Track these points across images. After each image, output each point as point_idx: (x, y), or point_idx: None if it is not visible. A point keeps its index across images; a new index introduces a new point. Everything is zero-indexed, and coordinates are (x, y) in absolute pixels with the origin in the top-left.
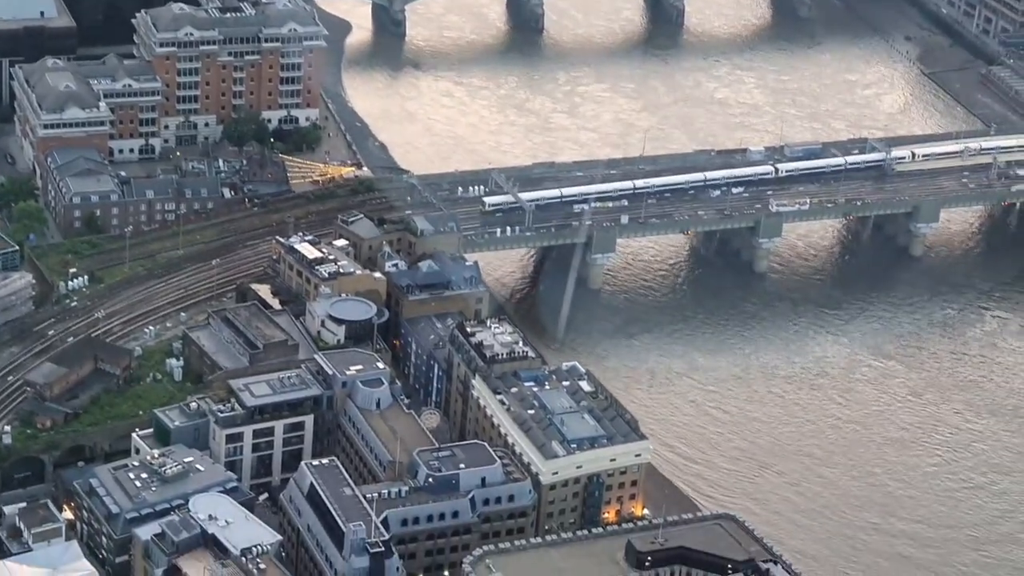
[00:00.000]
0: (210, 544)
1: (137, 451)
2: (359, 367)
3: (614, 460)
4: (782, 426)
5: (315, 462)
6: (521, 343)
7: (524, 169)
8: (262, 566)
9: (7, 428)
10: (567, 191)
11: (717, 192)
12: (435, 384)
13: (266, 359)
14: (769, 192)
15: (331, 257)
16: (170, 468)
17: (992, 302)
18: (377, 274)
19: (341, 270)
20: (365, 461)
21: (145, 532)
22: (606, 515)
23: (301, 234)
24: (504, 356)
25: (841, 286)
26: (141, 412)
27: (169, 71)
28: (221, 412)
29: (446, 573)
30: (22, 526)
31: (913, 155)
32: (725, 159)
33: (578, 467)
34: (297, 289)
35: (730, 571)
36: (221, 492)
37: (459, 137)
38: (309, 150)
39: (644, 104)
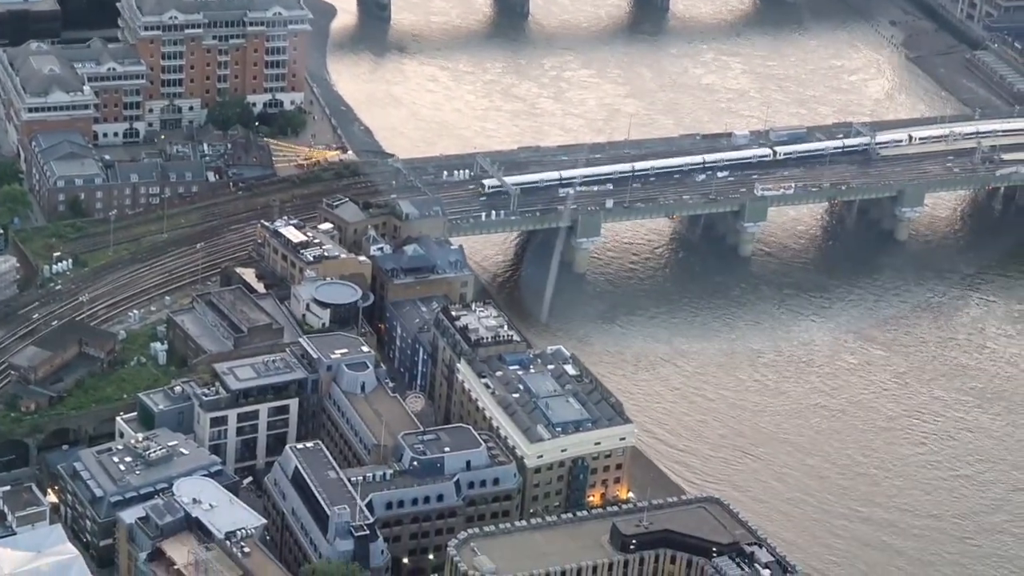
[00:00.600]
0: (194, 528)
1: (121, 435)
2: (344, 351)
3: (599, 443)
4: (766, 412)
5: (300, 445)
6: (506, 327)
7: (509, 153)
8: (246, 550)
9: None
10: (570, 172)
11: (702, 176)
12: (420, 368)
13: (251, 343)
14: (754, 176)
15: (316, 241)
16: (154, 452)
17: (977, 287)
18: (362, 258)
19: (326, 254)
20: (350, 444)
21: (129, 516)
22: (591, 498)
23: (286, 218)
24: (489, 340)
25: (826, 270)
26: (125, 396)
27: (154, 55)
28: (205, 396)
29: (431, 556)
30: (6, 509)
31: (910, 138)
32: (710, 143)
33: (563, 450)
34: (282, 273)
35: (715, 554)
36: (205, 476)
37: (444, 122)
38: (294, 134)
39: (630, 90)
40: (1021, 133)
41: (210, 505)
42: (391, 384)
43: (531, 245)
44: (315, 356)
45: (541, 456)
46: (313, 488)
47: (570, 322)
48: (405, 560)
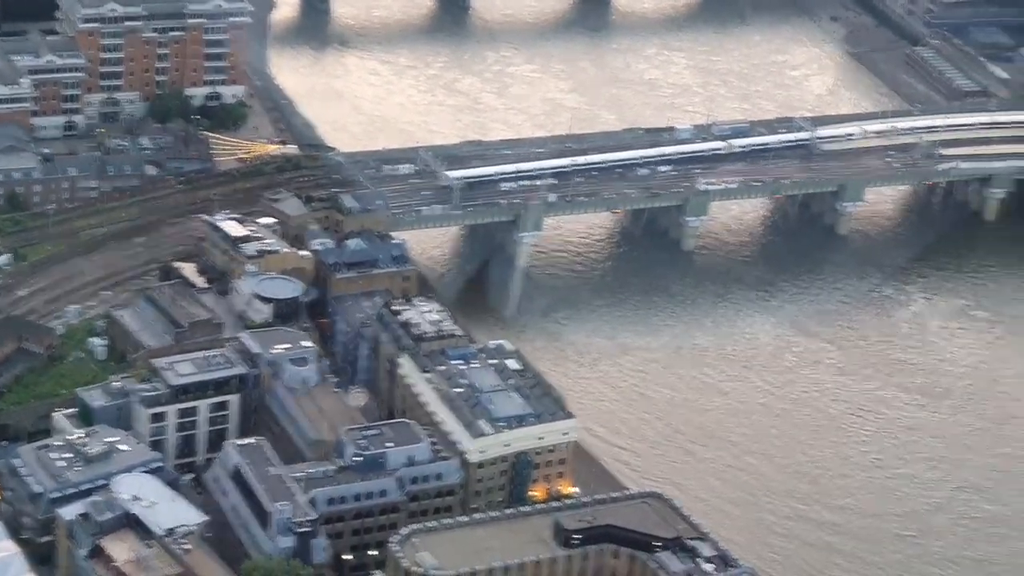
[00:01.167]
0: (134, 524)
1: (58, 431)
2: (286, 345)
3: (542, 438)
4: (709, 408)
5: (240, 441)
6: (448, 321)
7: (452, 147)
8: (187, 546)
9: None
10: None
11: (645, 170)
12: (362, 362)
13: (191, 338)
14: (697, 170)
15: (257, 235)
16: (93, 448)
17: (918, 282)
18: (304, 252)
19: (267, 248)
20: (291, 440)
21: (68, 512)
22: (534, 493)
23: (226, 212)
24: (431, 334)
25: (768, 265)
26: (64, 391)
27: (92, 47)
28: (145, 391)
29: (373, 552)
30: None
31: (864, 131)
32: (653, 138)
33: (506, 445)
34: (223, 267)
35: (657, 548)
36: (145, 472)
37: (386, 116)
38: (234, 127)
39: (574, 84)
40: (961, 129)
41: (150, 502)
42: (333, 379)
43: (475, 240)
44: (256, 351)
45: (484, 451)
46: (254, 484)
47: (514, 317)
48: (347, 556)
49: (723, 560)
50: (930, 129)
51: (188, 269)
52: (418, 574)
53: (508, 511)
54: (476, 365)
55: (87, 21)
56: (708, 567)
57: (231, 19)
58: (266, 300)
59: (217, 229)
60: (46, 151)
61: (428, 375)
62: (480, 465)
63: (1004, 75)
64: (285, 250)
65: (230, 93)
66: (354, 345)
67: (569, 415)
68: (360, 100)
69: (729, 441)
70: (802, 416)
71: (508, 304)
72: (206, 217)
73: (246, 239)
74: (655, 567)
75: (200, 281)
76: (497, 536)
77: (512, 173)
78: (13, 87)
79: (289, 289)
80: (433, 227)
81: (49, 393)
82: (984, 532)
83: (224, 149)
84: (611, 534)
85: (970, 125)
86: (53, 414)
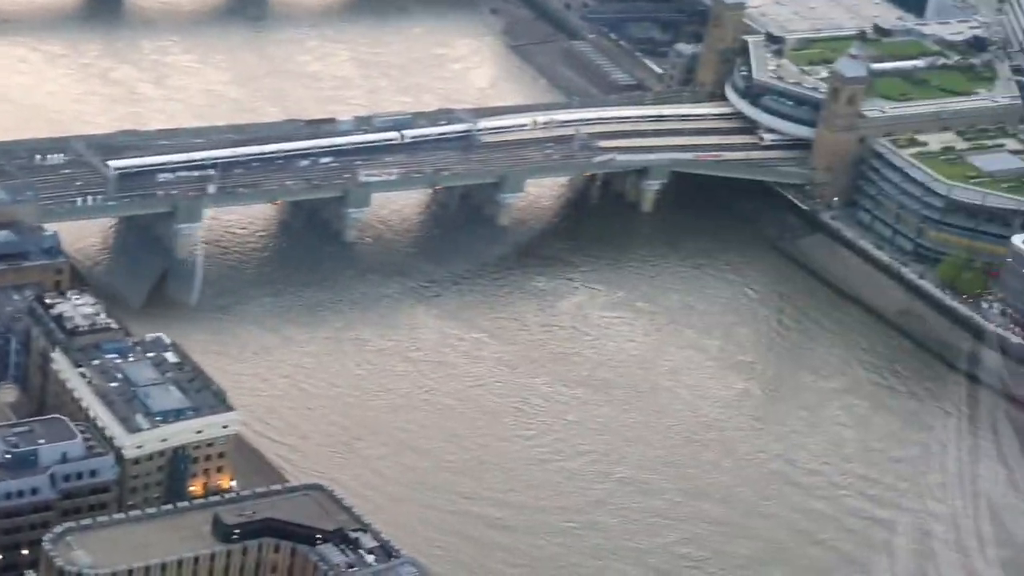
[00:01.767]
0: None
1: None
2: None
3: (200, 432)
4: (375, 400)
5: None
6: (103, 315)
7: (107, 137)
8: None
9: None
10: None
11: (306, 162)
12: (13, 358)
13: None
14: (358, 162)
15: None
16: None
17: (580, 273)
18: None
19: None
20: None
21: None
22: (193, 488)
23: None
24: (85, 328)
25: (430, 257)
26: None
27: None
28: None
29: (25, 552)
30: None
31: (536, 123)
32: (313, 129)
33: (163, 440)
34: None
35: (319, 541)
36: None
37: (37, 105)
38: None
39: (234, 76)
40: (617, 121)
41: None
42: None
43: (131, 231)
44: None
45: (140, 446)
46: None
47: (172, 309)
48: None
49: (385, 551)
50: (588, 122)
51: None
52: (72, 573)
53: (166, 507)
54: (132, 359)
55: None
56: (369, 558)
57: None
58: None
59: None
60: None
61: (82, 370)
62: (136, 461)
63: (658, 69)
64: None
65: None
66: (4, 340)
67: (229, 408)
68: (8, 88)
69: (392, 435)
70: (465, 410)
71: (190, 295)
72: None
73: None
74: (316, 559)
75: None
76: (155, 532)
77: (183, 163)
78: None
79: None
80: (87, 218)
81: None
82: (643, 524)
83: None
84: (272, 527)
85: (626, 118)
86: None
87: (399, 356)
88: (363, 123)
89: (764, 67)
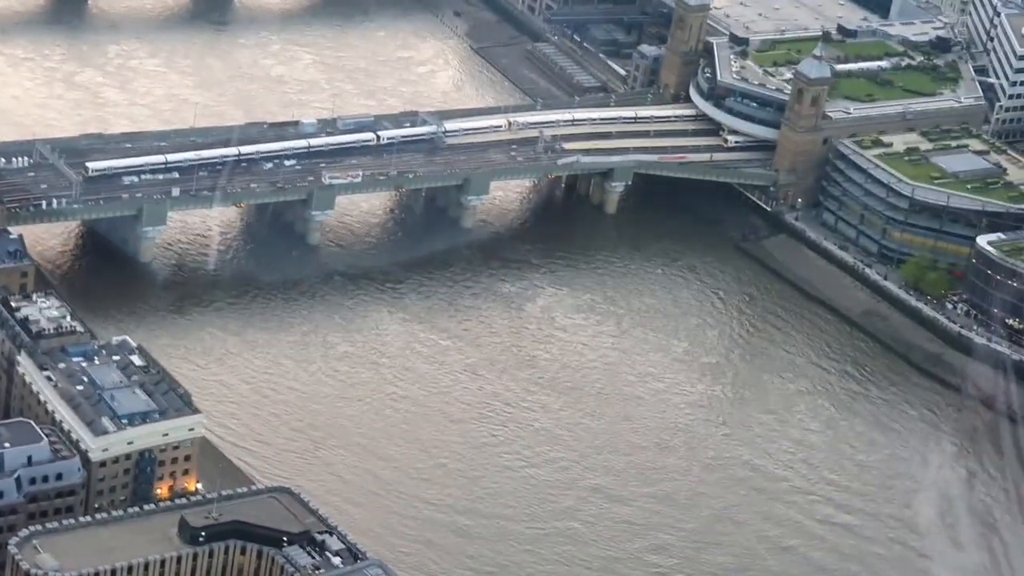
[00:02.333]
0: None
1: None
2: None
3: (166, 435)
4: (341, 405)
5: None
6: (69, 318)
7: (71, 140)
8: None
9: None
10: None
11: (270, 164)
12: None
13: None
14: (322, 165)
15: None
16: None
17: (546, 276)
18: None
19: None
20: None
21: None
22: (159, 491)
23: None
24: (51, 331)
25: (396, 259)
26: None
27: None
28: None
29: None
30: None
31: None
32: (278, 131)
33: (129, 443)
34: None
35: (285, 543)
36: None
37: (2, 110)
38: None
39: (199, 80)
40: (580, 124)
41: None
42: None
43: (96, 234)
44: None
45: (106, 449)
46: None
47: (138, 313)
48: None
49: (351, 553)
50: (552, 124)
51: None
52: None
53: (132, 510)
54: (98, 362)
55: None
56: (336, 560)
57: None
58: None
59: None
60: None
61: (47, 373)
62: (103, 464)
63: (622, 71)
64: None
65: None
66: None
67: (195, 411)
68: None
69: (358, 438)
70: (431, 415)
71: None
72: None
73: None
74: (283, 562)
75: None
76: (121, 535)
77: (154, 165)
78: None
79: None
80: (52, 221)
81: None
82: (612, 531)
83: None
84: (238, 530)
85: (590, 120)
86: None
87: (365, 360)
88: (327, 126)
89: (728, 69)
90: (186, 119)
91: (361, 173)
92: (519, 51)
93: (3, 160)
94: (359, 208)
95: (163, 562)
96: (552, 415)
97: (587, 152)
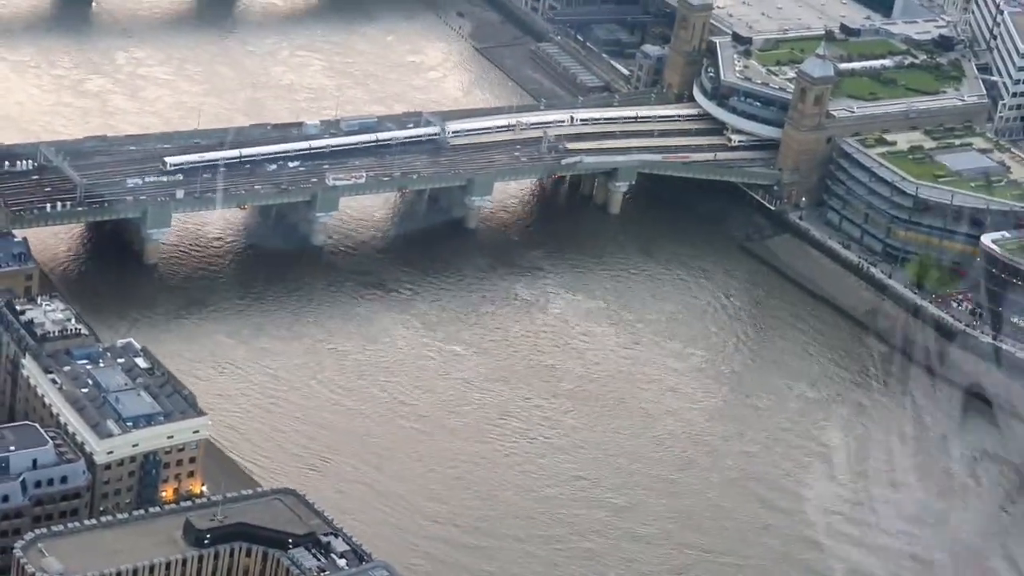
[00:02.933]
0: None
1: None
2: None
3: (171, 437)
4: (349, 411)
5: None
6: (74, 320)
7: (76, 143)
8: None
9: None
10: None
11: (273, 166)
12: None
13: None
14: (325, 166)
15: None
16: None
17: (556, 280)
18: None
19: None
20: None
21: None
22: (164, 493)
23: None
24: (56, 334)
25: (401, 262)
26: None
27: None
28: None
29: None
30: None
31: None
32: (282, 133)
33: (134, 445)
34: None
35: (291, 545)
36: None
37: (7, 116)
38: None
39: (208, 88)
40: (585, 124)
41: None
42: None
43: (101, 236)
44: None
45: (111, 452)
46: None
47: (142, 315)
48: None
49: (356, 555)
50: (555, 124)
51: None
52: None
53: (137, 513)
54: (103, 364)
55: None
56: (341, 562)
57: None
58: None
59: None
60: None
61: (52, 375)
62: (108, 467)
63: (625, 71)
64: None
65: None
66: None
67: (200, 413)
68: None
69: (366, 447)
70: (444, 424)
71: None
72: None
73: None
74: (288, 564)
75: None
76: (127, 538)
77: (252, 156)
78: None
79: None
80: (57, 224)
81: None
82: (629, 550)
83: None
84: (243, 532)
85: (594, 120)
86: None
87: (375, 366)
88: (330, 127)
89: (731, 68)
90: (193, 126)
91: (365, 174)
92: (523, 51)
93: (7, 163)
94: (364, 208)
95: (168, 565)
96: (568, 427)
97: (591, 152)
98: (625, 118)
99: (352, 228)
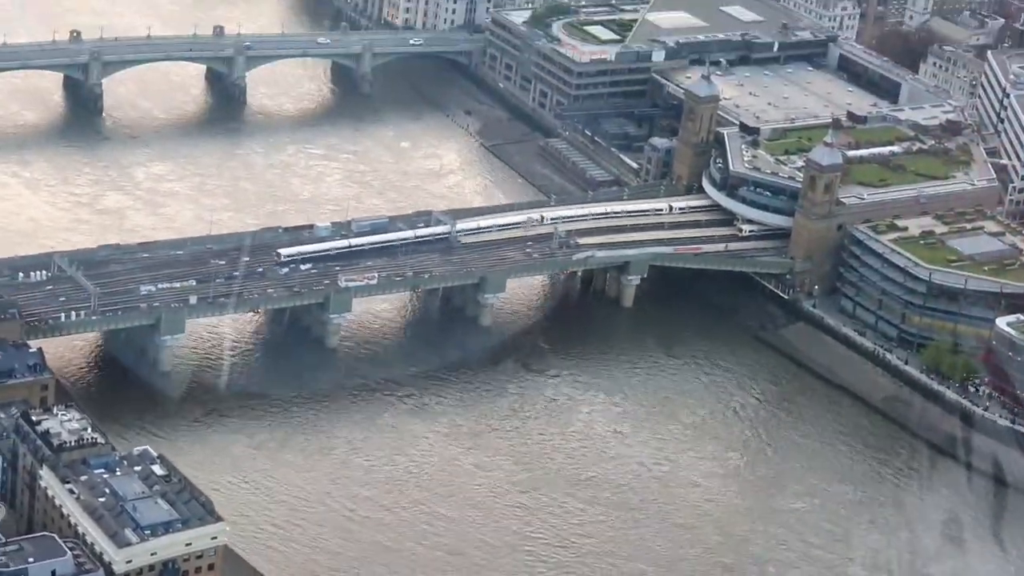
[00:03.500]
0: None
1: None
2: None
3: (190, 544)
4: (369, 520)
5: None
6: (90, 429)
7: (89, 252)
8: None
9: None
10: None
11: (285, 269)
12: (0, 476)
13: None
14: (337, 268)
15: None
16: None
17: (572, 379)
18: None
19: None
20: None
21: None
22: None
23: None
24: (72, 443)
25: (415, 363)
26: None
27: None
28: None
29: None
30: None
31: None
32: (293, 235)
33: (152, 554)
34: None
35: None
36: None
37: (22, 231)
38: None
39: (231, 202)
40: (595, 218)
41: None
42: None
43: (114, 345)
44: None
45: (130, 561)
46: None
47: (157, 422)
48: None
49: None
50: (566, 219)
51: None
52: None
53: None
54: (120, 473)
55: None
56: None
57: None
58: None
59: None
60: None
61: (70, 485)
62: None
63: (634, 164)
64: None
65: None
66: None
67: (218, 519)
68: None
69: (391, 555)
70: (474, 535)
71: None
72: None
73: None
74: None
75: None
76: None
77: (360, 246)
78: None
79: None
80: (71, 334)
81: None
82: None
83: None
84: None
85: (604, 214)
86: None
87: (398, 475)
88: (341, 229)
89: (740, 158)
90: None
91: (377, 274)
92: (531, 147)
93: (21, 274)
94: (377, 308)
95: None
96: (607, 536)
97: (602, 246)
98: (635, 211)
99: (366, 328)
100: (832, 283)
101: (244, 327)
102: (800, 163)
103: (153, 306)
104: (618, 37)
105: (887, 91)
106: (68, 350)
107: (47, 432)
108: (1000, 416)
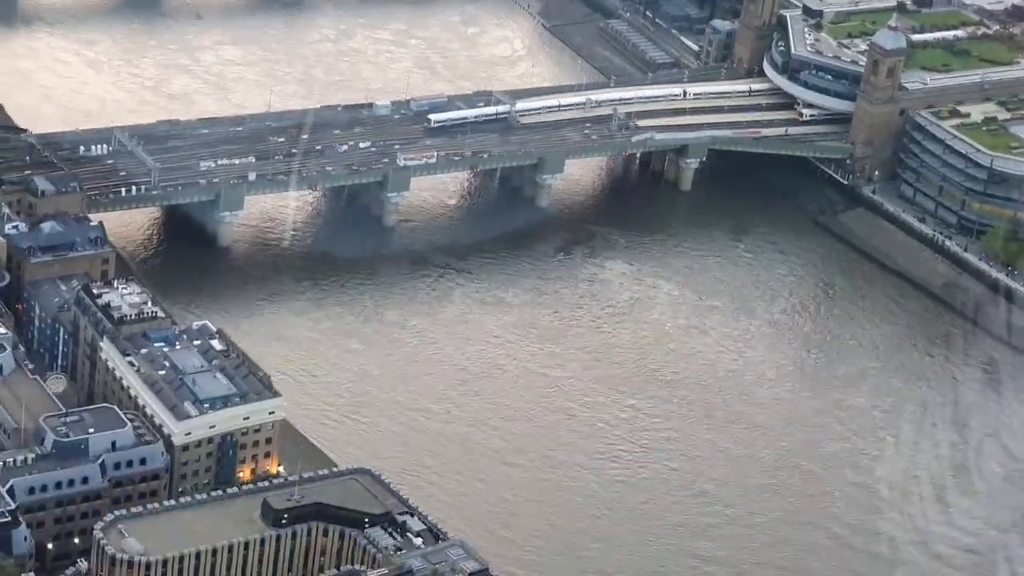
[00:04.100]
0: None
1: None
2: None
3: (247, 418)
4: (426, 391)
5: None
6: (150, 303)
7: (148, 127)
8: None
9: None
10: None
11: (344, 147)
12: (61, 348)
13: None
14: (396, 146)
15: None
16: None
17: (630, 260)
18: None
19: None
20: None
21: None
22: (241, 474)
23: None
24: (132, 317)
25: (472, 243)
26: None
27: None
28: None
29: (76, 540)
30: None
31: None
32: (352, 114)
33: (211, 427)
34: None
35: (367, 524)
36: None
37: (87, 111)
38: None
39: (296, 79)
40: (654, 100)
41: None
42: (30, 366)
43: (173, 220)
44: None
45: (189, 433)
46: None
47: (216, 297)
48: (50, 546)
49: (432, 534)
50: (625, 101)
51: None
52: (123, 561)
53: (215, 493)
54: (179, 347)
55: None
56: (417, 541)
57: None
58: None
59: None
60: None
61: (130, 358)
62: (185, 448)
63: (695, 47)
64: None
65: None
66: (52, 330)
67: (276, 394)
68: (48, 88)
69: (445, 426)
70: (526, 407)
71: None
72: None
73: None
74: (365, 543)
75: None
76: (204, 519)
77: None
78: None
79: None
80: (132, 208)
81: None
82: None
83: None
84: (320, 512)
85: (664, 96)
86: None
87: (452, 350)
88: (400, 107)
89: (802, 41)
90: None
91: (436, 154)
92: (592, 28)
93: (82, 148)
94: (434, 187)
95: (247, 544)
96: (675, 431)
97: (661, 129)
98: (695, 94)
99: (424, 208)
100: (892, 169)
101: (303, 205)
102: (863, 47)
103: (213, 182)
104: None
105: None
106: (129, 224)
107: (107, 305)
108: None
